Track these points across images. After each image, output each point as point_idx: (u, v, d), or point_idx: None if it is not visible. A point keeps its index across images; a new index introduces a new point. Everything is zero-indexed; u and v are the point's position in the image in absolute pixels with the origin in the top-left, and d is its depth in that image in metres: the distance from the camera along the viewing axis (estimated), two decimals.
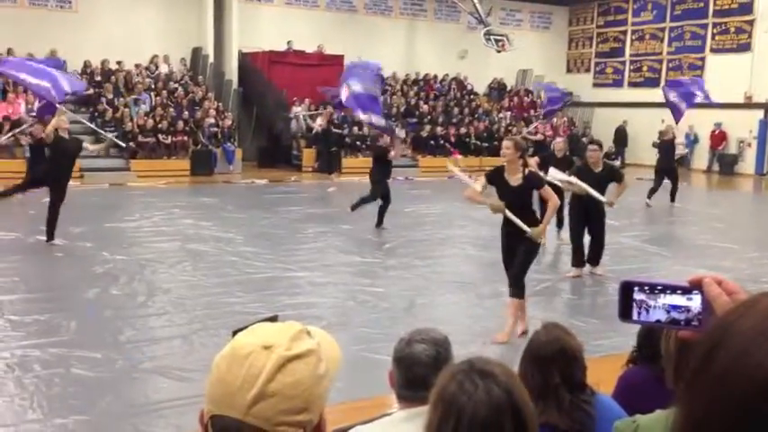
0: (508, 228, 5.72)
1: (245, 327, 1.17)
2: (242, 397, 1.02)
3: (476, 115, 23.24)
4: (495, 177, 5.71)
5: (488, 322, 6.14)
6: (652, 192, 14.00)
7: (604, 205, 7.87)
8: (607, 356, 4.78)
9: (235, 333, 1.18)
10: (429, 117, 22.37)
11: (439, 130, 21.63)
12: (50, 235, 8.81)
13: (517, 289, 5.70)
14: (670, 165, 15.09)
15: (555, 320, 2.71)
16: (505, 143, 5.75)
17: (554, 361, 2.21)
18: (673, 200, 14.42)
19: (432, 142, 21.33)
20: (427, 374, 1.94)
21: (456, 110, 23.15)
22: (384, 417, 2.14)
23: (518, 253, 5.69)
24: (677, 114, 14.70)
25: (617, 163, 23.53)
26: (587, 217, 7.95)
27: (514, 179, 5.60)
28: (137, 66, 19.86)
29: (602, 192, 7.86)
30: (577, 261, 8.00)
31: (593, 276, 7.94)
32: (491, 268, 8.05)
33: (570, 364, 2.23)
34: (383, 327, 5.95)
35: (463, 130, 21.94)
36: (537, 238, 5.65)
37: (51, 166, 8.93)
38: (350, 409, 4.33)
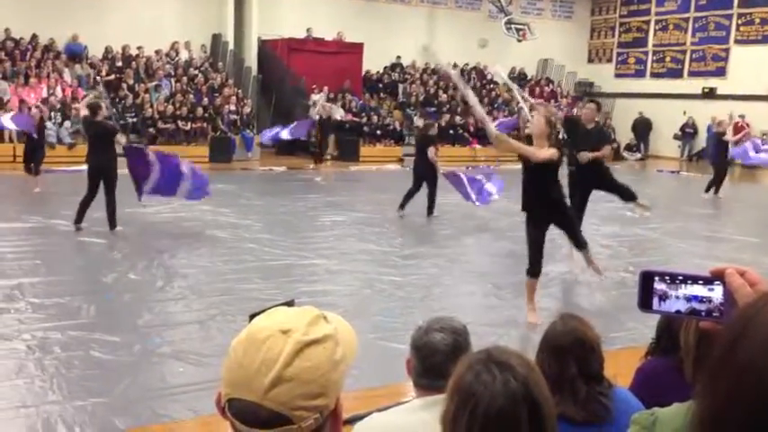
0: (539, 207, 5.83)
1: (262, 311, 1.17)
2: (259, 381, 1.03)
3: (495, 105, 23.11)
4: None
5: (506, 312, 6.13)
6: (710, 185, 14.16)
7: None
8: (625, 349, 4.75)
9: (252, 317, 1.18)
10: (448, 106, 22.28)
11: (458, 119, 21.54)
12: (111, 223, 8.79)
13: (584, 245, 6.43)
14: (718, 158, 14.93)
15: (571, 312, 2.70)
16: (536, 117, 5.89)
17: (571, 351, 2.20)
18: (707, 191, 14.34)
19: (450, 131, 21.25)
20: (445, 363, 1.94)
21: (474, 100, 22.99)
22: (401, 405, 2.15)
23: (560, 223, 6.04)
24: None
25: (637, 155, 23.37)
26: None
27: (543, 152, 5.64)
28: (157, 52, 19.94)
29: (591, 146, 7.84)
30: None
31: (605, 271, 7.83)
32: (509, 258, 8.04)
33: (587, 356, 2.22)
34: (399, 315, 5.96)
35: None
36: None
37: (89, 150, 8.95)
38: (365, 396, 4.36)
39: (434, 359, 2.04)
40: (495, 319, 5.99)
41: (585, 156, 7.75)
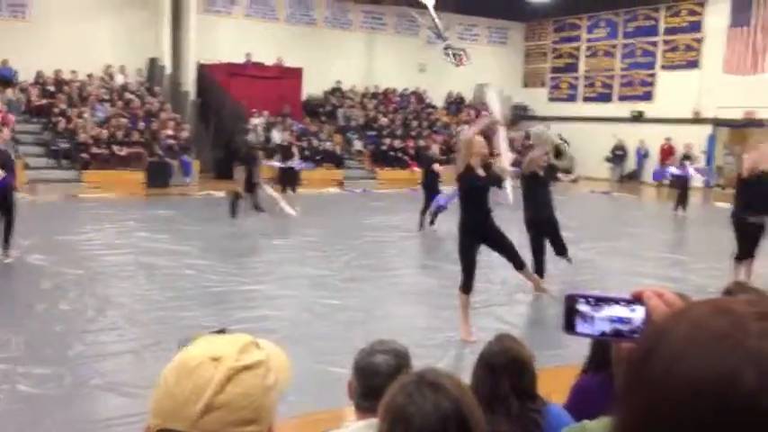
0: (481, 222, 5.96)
1: (193, 339, 1.16)
2: (190, 409, 1.01)
3: (434, 128, 23.42)
4: (466, 174, 6.00)
5: (446, 333, 6.17)
6: None
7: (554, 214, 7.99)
8: (561, 366, 4.83)
9: (182, 346, 1.17)
10: (388, 130, 22.46)
11: (398, 142, 21.73)
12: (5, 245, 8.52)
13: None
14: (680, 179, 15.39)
15: (509, 332, 2.74)
16: (481, 139, 6.19)
17: (505, 370, 2.24)
18: (675, 209, 14.88)
19: (391, 154, 21.41)
20: (387, 385, 1.94)
21: (415, 123, 23.30)
22: (343, 428, 2.14)
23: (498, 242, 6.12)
24: None
25: (571, 176, 23.95)
26: (545, 229, 8.00)
27: (481, 171, 5.98)
28: (89, 76, 19.53)
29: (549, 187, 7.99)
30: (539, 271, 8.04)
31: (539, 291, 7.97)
32: (448, 280, 8.10)
33: (521, 374, 2.26)
34: (339, 339, 5.93)
35: (422, 143, 22.09)
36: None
37: None
38: (306, 422, 4.31)
39: (377, 381, 2.04)
40: (435, 339, 6.02)
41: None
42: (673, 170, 16.06)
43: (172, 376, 1.06)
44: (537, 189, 7.74)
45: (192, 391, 1.03)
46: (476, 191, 5.99)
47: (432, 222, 11.82)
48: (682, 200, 15.06)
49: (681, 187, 15.36)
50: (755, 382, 0.51)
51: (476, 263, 6.05)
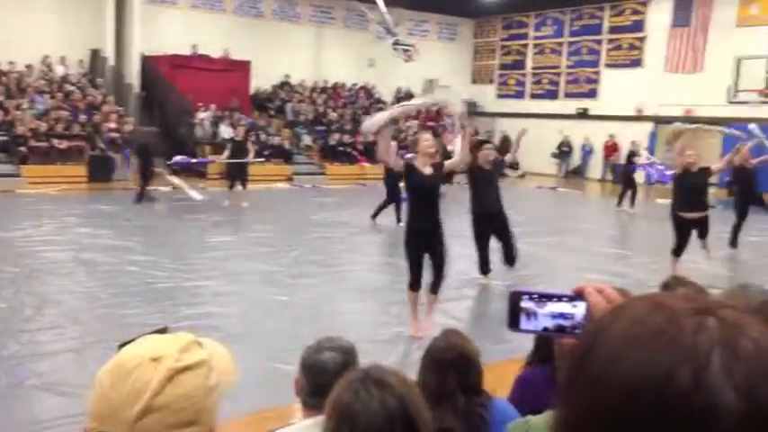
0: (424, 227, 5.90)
1: (132, 339, 1.13)
2: (127, 411, 0.99)
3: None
4: (410, 170, 5.94)
5: (394, 328, 6.18)
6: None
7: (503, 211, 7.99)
8: (507, 360, 4.89)
9: (121, 346, 1.14)
10: (337, 125, 22.40)
11: (347, 137, 21.70)
12: None
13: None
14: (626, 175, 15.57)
15: (456, 327, 2.76)
16: (428, 136, 6.24)
17: (451, 366, 2.25)
18: (625, 205, 15.07)
19: (340, 149, 21.37)
20: (335, 382, 1.94)
21: (364, 118, 23.26)
22: (290, 425, 2.12)
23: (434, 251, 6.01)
24: None
25: (518, 172, 24.38)
26: (491, 225, 8.04)
27: (427, 170, 5.88)
28: (28, 66, 18.92)
29: (497, 185, 7.88)
30: (484, 269, 8.10)
31: (488, 285, 8.06)
32: (396, 275, 8.12)
33: (467, 369, 2.27)
34: (287, 336, 5.88)
35: (371, 138, 22.09)
36: None
37: None
38: (253, 420, 4.27)
39: (324, 378, 2.03)
40: (384, 335, 6.03)
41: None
42: (658, 167, 16.19)
43: (108, 378, 1.04)
44: (483, 184, 7.77)
45: (130, 393, 1.01)
46: (420, 191, 5.92)
47: (375, 216, 11.84)
48: (630, 195, 15.41)
49: (628, 183, 15.71)
50: (690, 379, 0.52)
51: (422, 260, 6.01)
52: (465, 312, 7.19)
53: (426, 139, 6.07)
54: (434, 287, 6.15)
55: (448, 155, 16.26)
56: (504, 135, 25.58)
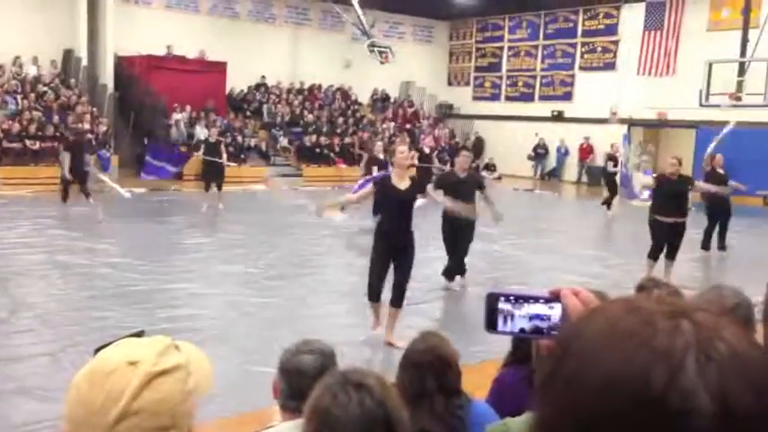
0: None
1: (109, 343, 1.12)
2: (104, 416, 0.98)
3: (360, 125, 23.45)
4: (383, 185, 5.86)
5: (372, 331, 6.18)
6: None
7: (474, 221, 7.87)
8: (485, 362, 4.92)
9: (98, 350, 1.13)
10: (314, 126, 22.36)
11: (323, 139, 21.66)
12: None
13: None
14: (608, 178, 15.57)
15: (433, 329, 2.77)
16: (403, 147, 6.11)
17: (430, 367, 2.26)
18: (606, 207, 15.05)
19: (316, 151, 21.33)
20: (313, 386, 1.94)
21: (340, 120, 23.27)
22: (269, 429, 2.12)
23: (400, 262, 5.88)
24: None
25: (495, 174, 24.53)
26: (458, 231, 7.91)
27: (402, 183, 5.80)
28: (0, 66, 18.64)
29: (470, 198, 7.70)
30: (450, 273, 8.01)
31: (467, 286, 8.08)
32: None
33: (446, 371, 2.28)
34: (265, 338, 5.87)
35: (347, 140, 22.08)
36: None
37: None
38: (231, 423, 4.25)
39: (302, 382, 2.03)
40: (361, 337, 6.03)
41: (497, 218, 7.74)
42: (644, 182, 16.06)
43: (84, 382, 1.04)
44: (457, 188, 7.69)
45: (108, 397, 1.01)
46: (389, 201, 5.82)
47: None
48: (609, 198, 15.50)
49: (613, 186, 15.77)
50: (664, 380, 0.53)
51: (386, 272, 5.89)
52: (441, 314, 7.21)
53: (402, 152, 5.96)
54: (398, 300, 5.97)
55: (424, 157, 16.22)
56: (477, 136, 25.73)
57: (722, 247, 10.58)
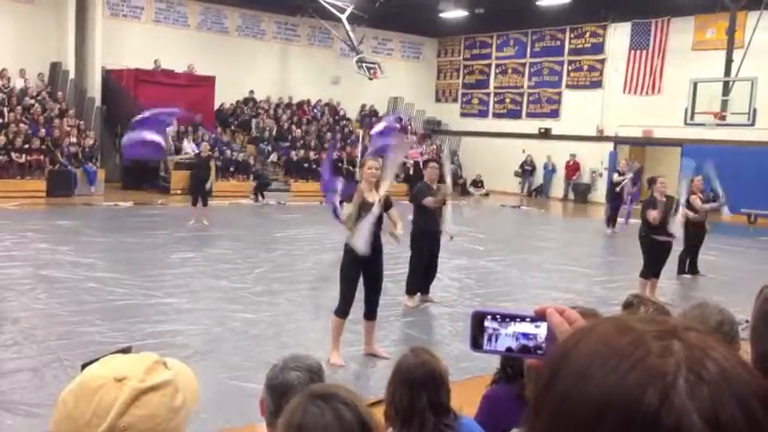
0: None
1: (96, 359, 1.11)
2: None
3: (348, 140, 23.50)
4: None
5: (360, 347, 6.16)
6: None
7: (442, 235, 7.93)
8: (473, 378, 4.91)
9: (85, 366, 1.12)
10: (302, 141, 22.38)
11: (312, 154, 21.68)
12: None
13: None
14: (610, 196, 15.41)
15: (420, 344, 2.76)
16: (374, 163, 5.90)
17: (423, 384, 2.24)
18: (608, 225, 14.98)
19: (305, 166, 21.33)
20: None
21: (329, 135, 23.31)
22: None
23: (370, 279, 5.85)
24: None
25: (482, 190, 24.62)
26: (434, 244, 7.95)
27: (371, 196, 5.73)
28: None
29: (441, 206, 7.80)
30: (413, 289, 7.94)
31: (431, 302, 8.01)
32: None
33: (438, 388, 2.27)
34: (252, 354, 5.83)
35: (335, 155, 22.09)
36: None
37: None
38: None
39: (290, 398, 2.01)
40: (349, 353, 6.00)
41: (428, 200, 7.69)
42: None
43: (71, 398, 1.03)
44: (424, 207, 7.71)
45: (95, 414, 1.00)
46: (360, 215, 5.68)
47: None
48: (611, 215, 15.42)
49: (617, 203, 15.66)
50: (657, 399, 0.54)
51: (356, 288, 5.85)
52: (428, 330, 7.20)
53: (370, 167, 5.80)
54: (372, 313, 5.93)
55: (423, 165, 16.22)
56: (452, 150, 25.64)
57: (695, 271, 10.49)
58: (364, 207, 5.70)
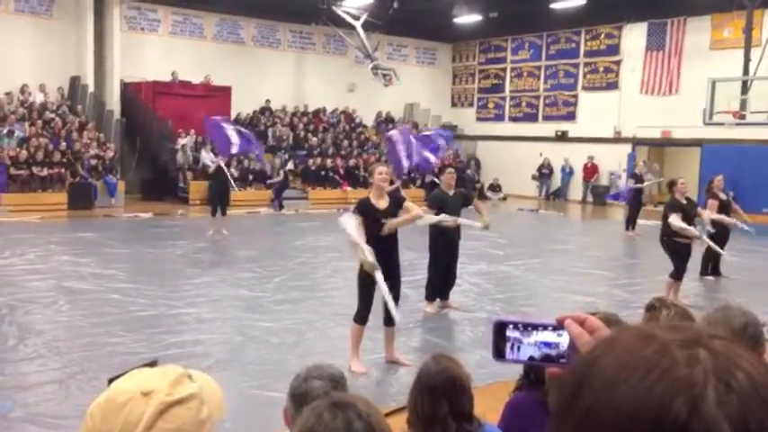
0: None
1: (122, 374, 1.13)
2: None
3: (365, 147, 23.54)
4: (364, 208, 5.77)
5: (379, 354, 6.16)
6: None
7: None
8: (495, 383, 4.89)
9: (111, 381, 1.13)
10: (318, 149, 22.45)
11: (328, 162, 21.74)
12: None
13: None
14: (630, 198, 15.40)
15: (441, 351, 2.76)
16: (384, 168, 5.98)
17: (444, 391, 2.24)
18: (627, 228, 14.98)
19: (322, 173, 21.39)
20: None
21: (345, 142, 23.37)
22: None
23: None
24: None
25: (500, 194, 24.53)
26: (453, 250, 7.91)
27: (382, 203, 5.76)
28: (7, 94, 18.82)
29: (458, 214, 7.76)
30: (433, 294, 7.91)
31: (451, 308, 7.94)
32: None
33: (459, 395, 2.27)
34: (273, 362, 5.85)
35: (352, 162, 22.15)
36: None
37: None
38: None
39: None
40: (370, 360, 6.00)
41: (487, 223, 7.76)
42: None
43: (98, 413, 1.04)
44: (443, 213, 7.67)
45: (122, 428, 1.01)
46: (372, 221, 5.69)
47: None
48: (631, 217, 15.35)
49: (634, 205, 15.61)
50: (686, 409, 0.54)
51: (373, 294, 5.82)
52: (449, 336, 7.18)
53: (380, 172, 5.87)
54: (391, 319, 5.87)
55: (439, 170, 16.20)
56: (474, 157, 25.73)
57: (717, 273, 10.37)
58: (372, 213, 5.72)
